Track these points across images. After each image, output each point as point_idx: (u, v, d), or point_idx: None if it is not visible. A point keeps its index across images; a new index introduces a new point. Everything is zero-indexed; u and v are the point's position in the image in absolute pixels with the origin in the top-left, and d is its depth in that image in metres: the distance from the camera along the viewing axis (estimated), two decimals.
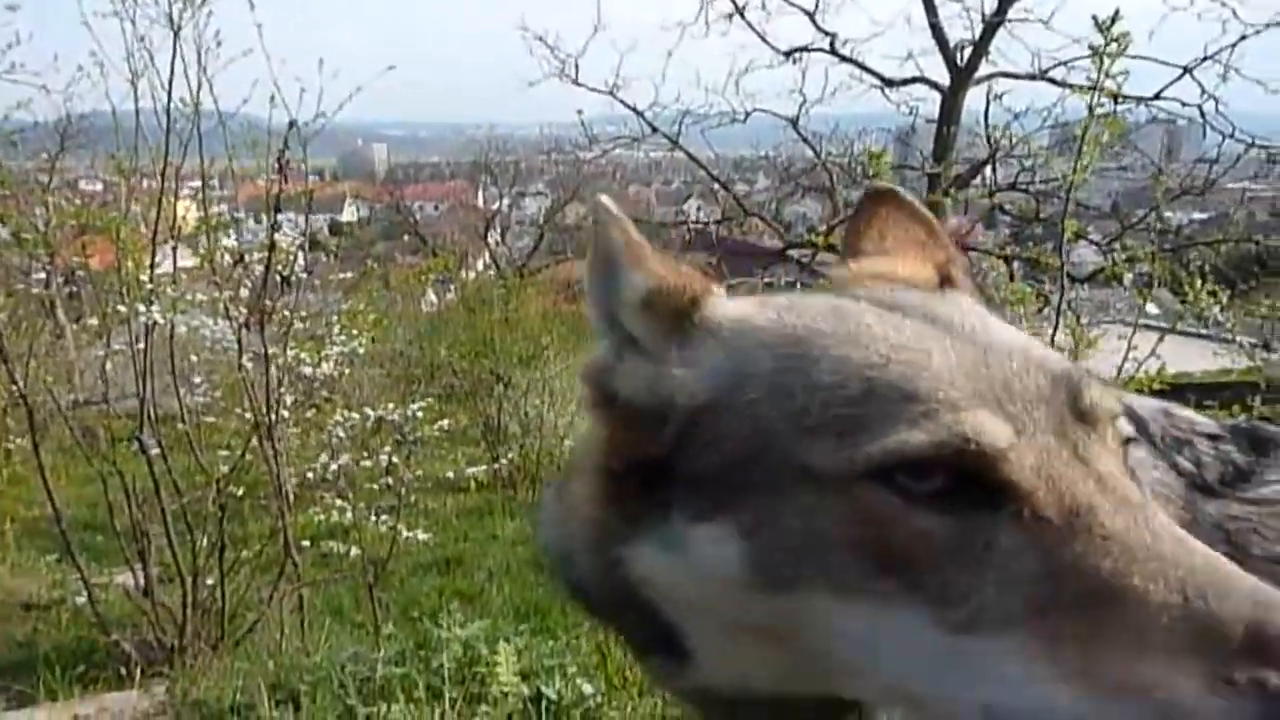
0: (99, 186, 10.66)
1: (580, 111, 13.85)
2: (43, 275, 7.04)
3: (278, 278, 4.71)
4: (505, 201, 25.48)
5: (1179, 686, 0.72)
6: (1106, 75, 4.58)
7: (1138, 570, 0.78)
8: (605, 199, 1.12)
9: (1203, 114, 12.87)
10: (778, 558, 0.92)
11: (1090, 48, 4.63)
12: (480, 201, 28.07)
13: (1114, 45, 4.53)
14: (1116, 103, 5.64)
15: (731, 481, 0.96)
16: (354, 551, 5.32)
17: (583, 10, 13.44)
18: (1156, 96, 12.68)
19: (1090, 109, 4.62)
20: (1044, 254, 6.81)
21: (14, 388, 5.01)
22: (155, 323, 4.52)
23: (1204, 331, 8.07)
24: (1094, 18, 4.57)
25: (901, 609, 0.85)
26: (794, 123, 13.68)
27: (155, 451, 4.93)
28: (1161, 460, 1.32)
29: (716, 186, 15.09)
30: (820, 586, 0.90)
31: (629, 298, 1.08)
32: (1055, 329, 4.78)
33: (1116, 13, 4.59)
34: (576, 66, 13.20)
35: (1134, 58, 4.48)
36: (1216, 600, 0.74)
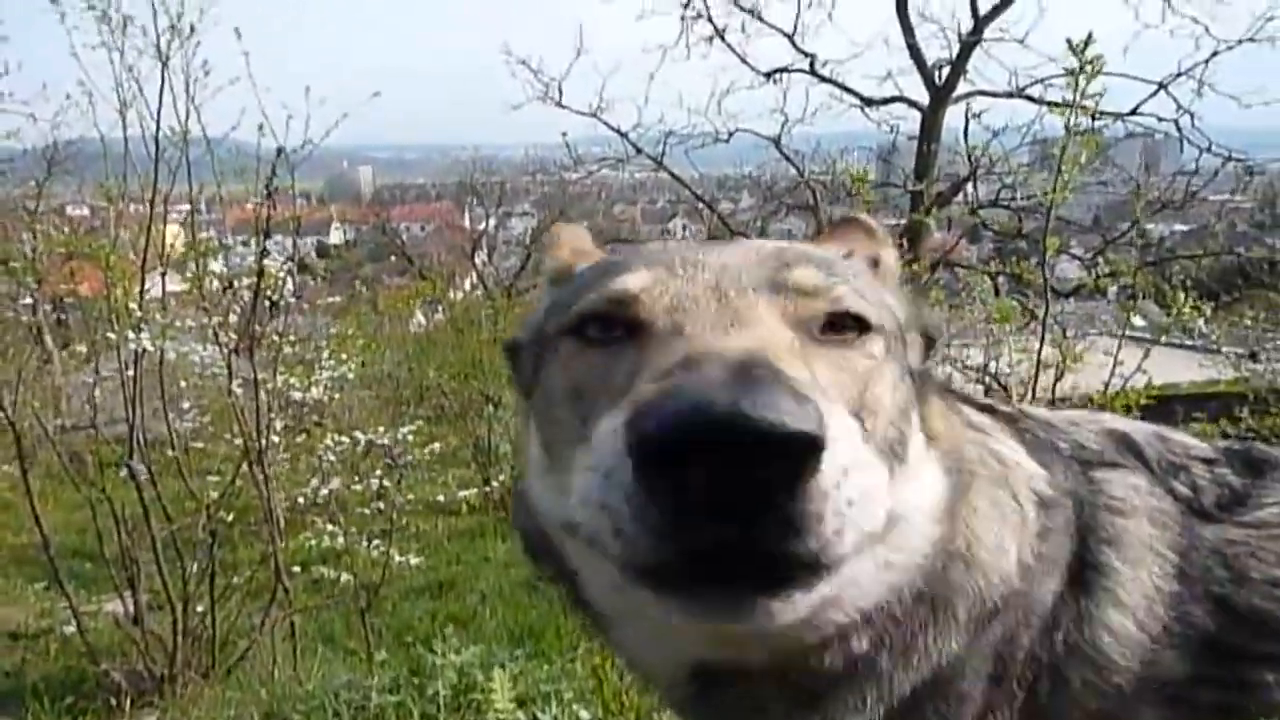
0: (86, 212, 10.66)
1: (565, 134, 13.98)
2: (30, 301, 7.02)
3: (266, 303, 4.71)
4: (491, 222, 25.53)
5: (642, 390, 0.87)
6: (1082, 96, 4.66)
7: (684, 350, 0.91)
8: (556, 228, 1.44)
9: (1179, 128, 13.07)
10: (547, 432, 1.11)
11: (1065, 69, 4.72)
12: (466, 222, 28.18)
13: (1089, 67, 4.63)
14: (1094, 119, 5.72)
15: (533, 389, 1.19)
16: (345, 577, 5.28)
17: (564, 35, 13.56)
18: (1133, 112, 12.86)
19: (1068, 129, 4.69)
20: (1027, 269, 6.86)
21: (1, 414, 4.99)
22: (144, 349, 4.50)
23: (1189, 343, 8.16)
24: (1068, 41, 4.66)
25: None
26: (776, 142, 13.80)
27: (144, 477, 4.90)
28: (1158, 486, 1.35)
29: (701, 205, 15.16)
30: (564, 443, 1.04)
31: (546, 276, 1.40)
32: (1041, 344, 4.83)
33: (1090, 36, 4.68)
34: (560, 89, 13.31)
35: (1109, 74, 4.57)
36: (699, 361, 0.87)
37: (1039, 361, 4.79)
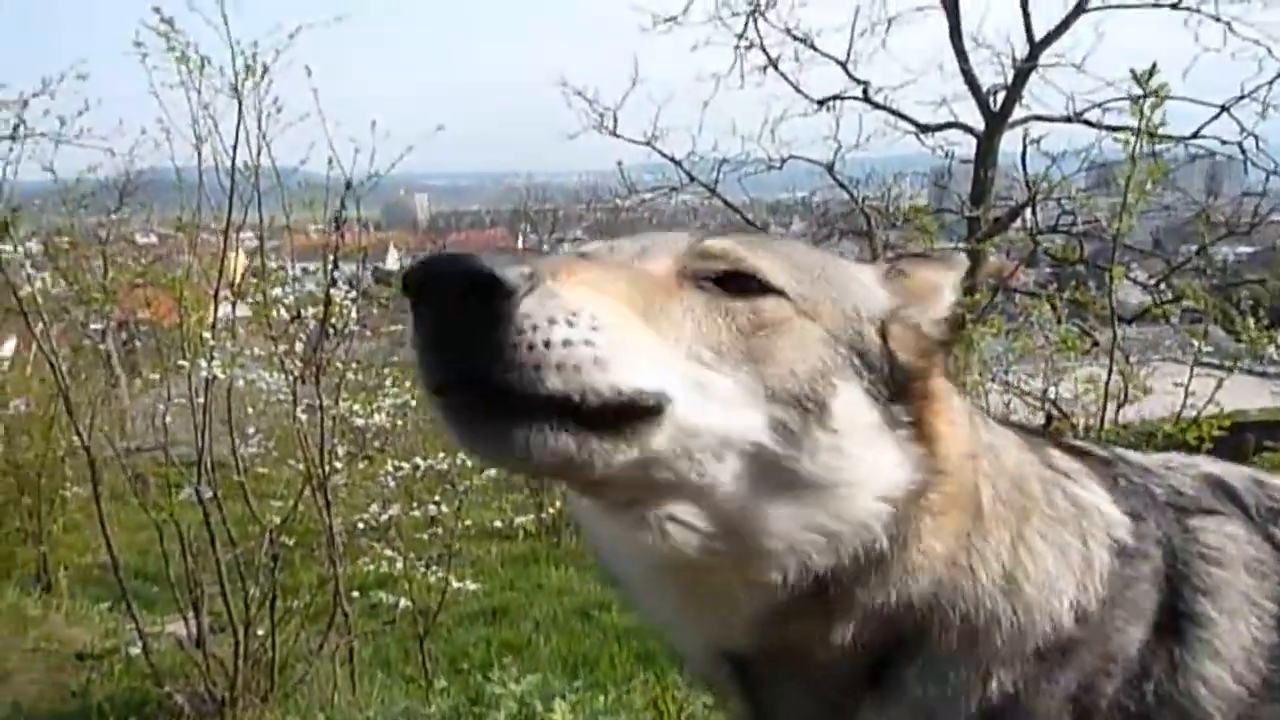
0: (154, 240, 10.97)
1: (620, 163, 14.07)
2: (99, 327, 7.23)
3: (331, 330, 4.80)
4: (545, 248, 25.87)
5: None
6: (1147, 124, 4.65)
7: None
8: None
9: (1243, 151, 12.78)
10: None
11: (1129, 98, 4.72)
12: (520, 247, 28.59)
13: (1153, 96, 4.63)
14: (1155, 144, 5.65)
15: None
16: (403, 603, 5.32)
17: (619, 64, 13.66)
18: (1195, 136, 12.61)
19: (1133, 158, 4.65)
20: (1088, 296, 6.76)
21: (75, 438, 5.12)
22: (215, 377, 4.61)
23: (1258, 369, 7.93)
24: (1132, 71, 4.68)
25: None
26: (829, 168, 13.74)
27: (209, 497, 4.99)
28: (1256, 534, 1.31)
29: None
30: None
31: None
32: (1110, 374, 4.72)
33: (1154, 66, 4.67)
34: (615, 119, 13.41)
35: (1169, 98, 4.57)
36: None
37: (1106, 391, 4.69)
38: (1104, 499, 1.31)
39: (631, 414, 1.00)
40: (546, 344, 0.95)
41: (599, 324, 0.98)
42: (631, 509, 1.10)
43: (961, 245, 10.97)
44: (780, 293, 1.13)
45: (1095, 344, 7.00)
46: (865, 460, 1.13)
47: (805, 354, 1.12)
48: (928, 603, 1.17)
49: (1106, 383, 4.65)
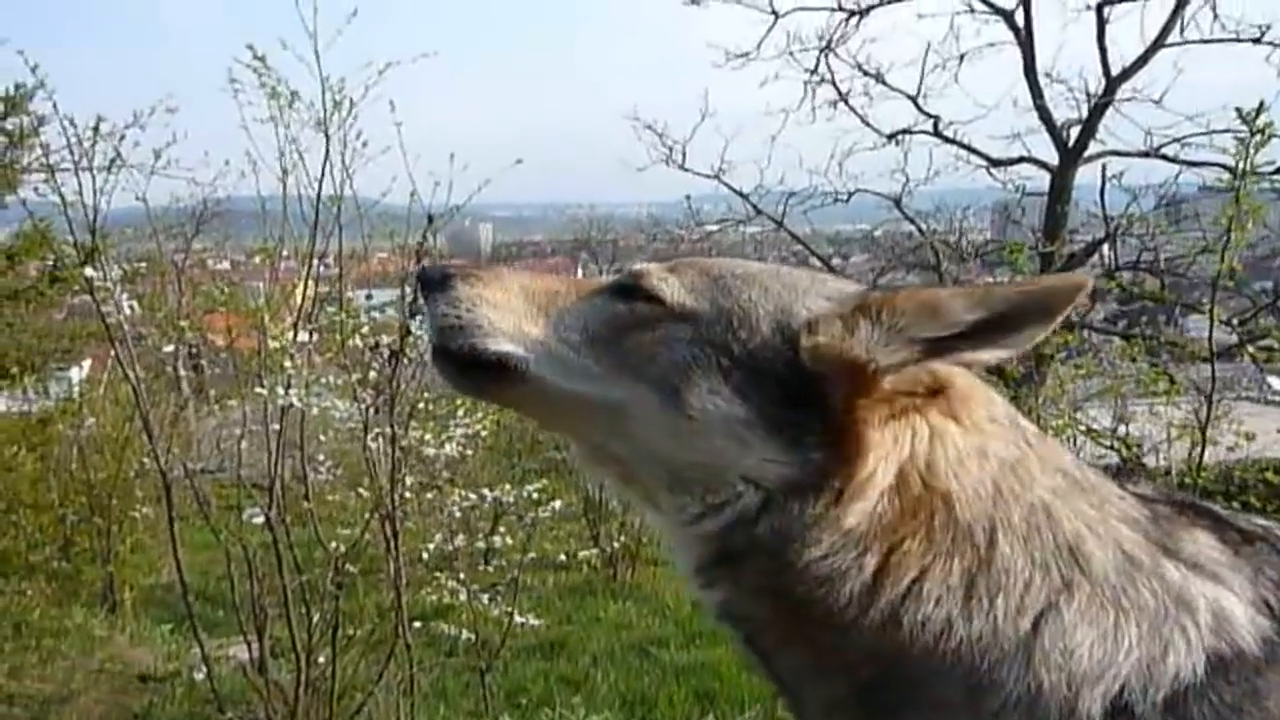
0: (226, 265, 11.23)
1: (688, 196, 14.10)
2: (171, 349, 7.36)
3: (406, 360, 4.80)
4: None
5: None
6: (1251, 164, 4.55)
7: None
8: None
9: None
10: None
11: (1236, 138, 4.64)
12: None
13: (1259, 136, 4.53)
14: (1258, 181, 5.49)
15: None
16: (465, 635, 5.26)
17: (686, 96, 13.72)
18: (1277, 171, 12.19)
19: (1237, 199, 4.51)
20: (1185, 338, 6.55)
21: (146, 460, 5.17)
22: (291, 404, 4.63)
23: None
24: (1238, 110, 4.60)
25: None
26: (897, 202, 13.60)
27: (275, 517, 5.00)
28: None
29: (816, 262, 15.01)
30: None
31: None
32: (1207, 421, 4.51)
33: (1261, 104, 4.55)
34: (684, 153, 13.44)
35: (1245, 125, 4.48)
36: None
37: (1205, 437, 4.48)
38: (1226, 594, 1.14)
39: (504, 368, 1.36)
40: (443, 318, 1.39)
41: (473, 310, 1.38)
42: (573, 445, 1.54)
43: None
44: (658, 300, 1.32)
45: (1173, 382, 6.77)
46: (720, 446, 1.22)
47: (667, 349, 1.28)
48: (893, 633, 1.15)
49: (1204, 429, 4.43)
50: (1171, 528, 1.20)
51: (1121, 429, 8.23)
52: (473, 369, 1.40)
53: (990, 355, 1.24)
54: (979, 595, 1.14)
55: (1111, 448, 6.80)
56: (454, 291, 1.40)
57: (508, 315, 1.38)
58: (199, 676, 5.77)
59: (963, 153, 13.65)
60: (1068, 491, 1.21)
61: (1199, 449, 4.62)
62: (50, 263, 10.87)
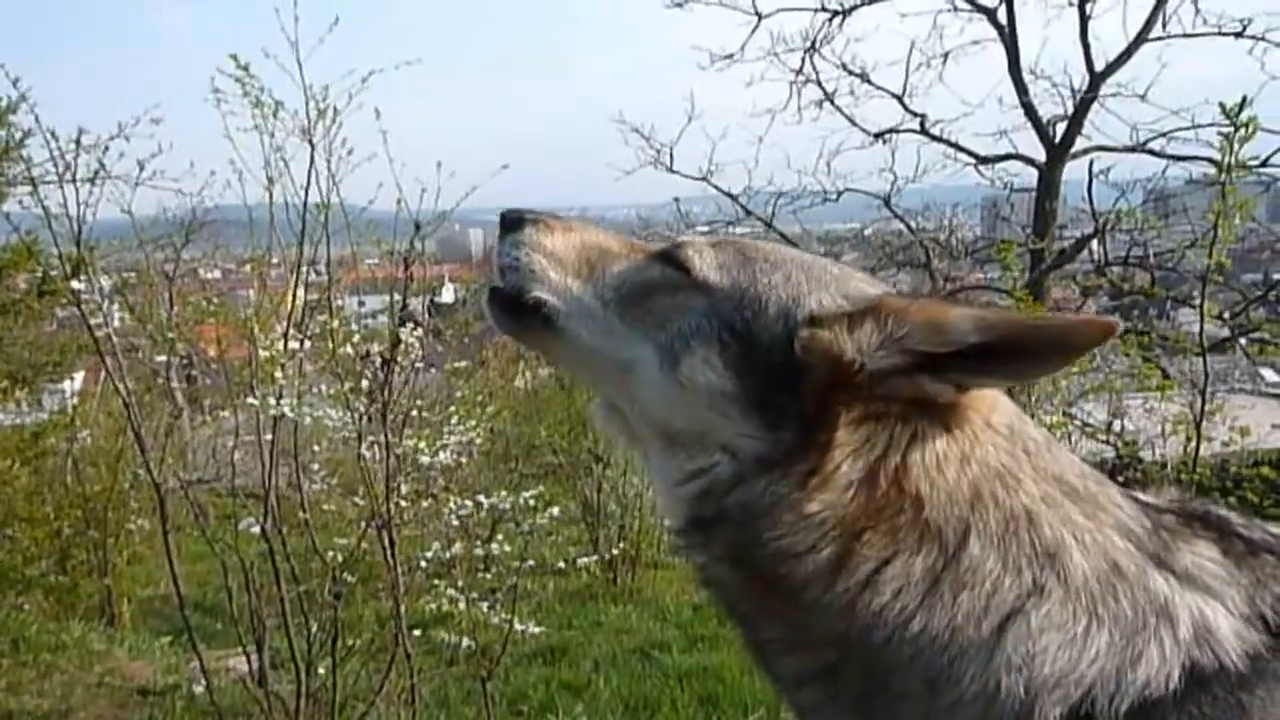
0: (217, 275, 11.19)
1: (677, 199, 14.15)
2: (164, 359, 7.34)
3: (398, 368, 4.79)
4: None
5: None
6: (1236, 160, 4.60)
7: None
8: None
9: None
10: None
11: (1220, 134, 4.69)
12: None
13: (1243, 130, 4.58)
14: (1244, 176, 5.53)
15: None
16: (465, 643, 5.24)
17: (670, 97, 13.74)
18: (1263, 164, 12.26)
19: (1222, 193, 4.55)
20: (1178, 334, 6.59)
21: (141, 471, 5.15)
22: (284, 415, 4.62)
23: None
24: (1221, 105, 4.67)
25: None
26: (886, 201, 13.64)
27: (270, 528, 4.98)
28: None
29: None
30: None
31: None
32: (1201, 417, 4.52)
33: (1244, 99, 4.60)
34: (671, 155, 13.46)
35: (1233, 127, 4.53)
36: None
37: (1199, 431, 4.49)
38: (1215, 606, 1.12)
39: (540, 315, 1.45)
40: (504, 258, 1.49)
41: (531, 256, 1.46)
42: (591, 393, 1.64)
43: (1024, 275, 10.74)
44: (685, 269, 1.37)
45: (1166, 377, 6.82)
46: (703, 415, 1.29)
47: (680, 315, 1.35)
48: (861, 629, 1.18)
49: (1199, 423, 4.45)
50: (1171, 539, 1.20)
51: (1116, 424, 8.26)
52: (515, 310, 1.48)
53: (986, 381, 1.25)
54: (941, 592, 1.16)
55: (1107, 443, 6.83)
56: (520, 234, 1.49)
57: (558, 265, 1.46)
58: (199, 690, 5.73)
59: (950, 150, 13.73)
60: (1059, 499, 1.21)
61: (1194, 443, 4.64)
62: (39, 275, 10.84)
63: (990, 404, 1.28)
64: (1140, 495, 1.28)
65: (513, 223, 1.51)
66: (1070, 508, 1.21)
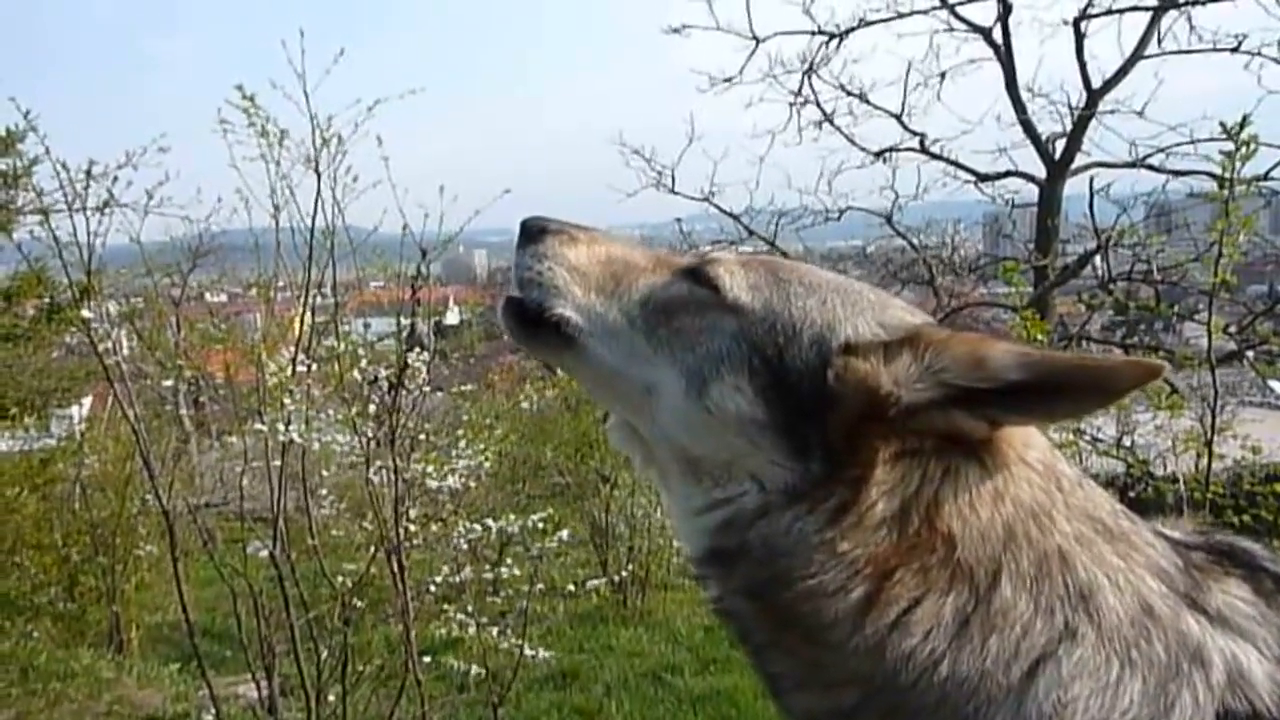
0: (224, 298, 11.25)
1: (679, 220, 14.18)
2: (170, 384, 7.36)
3: (405, 392, 4.80)
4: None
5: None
6: (1238, 176, 4.64)
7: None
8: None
9: None
10: None
11: (1221, 152, 4.72)
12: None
13: (1244, 149, 4.64)
14: (1248, 192, 5.57)
15: None
16: (475, 669, 5.22)
17: (672, 119, 13.79)
18: (1263, 177, 12.27)
19: (1226, 211, 4.57)
20: (1185, 351, 6.58)
21: (149, 497, 5.14)
22: (292, 440, 4.62)
23: None
24: (1222, 125, 4.76)
25: None
26: (888, 218, 13.67)
27: (276, 553, 4.98)
28: None
29: None
30: None
31: None
32: (1213, 432, 4.51)
33: (1245, 118, 4.63)
34: (673, 176, 13.51)
35: (1230, 140, 4.57)
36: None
37: (1210, 450, 4.48)
38: (1248, 650, 1.11)
39: (560, 332, 1.39)
40: (524, 270, 1.43)
41: (553, 269, 1.41)
42: (609, 413, 1.49)
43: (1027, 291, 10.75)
44: (715, 288, 1.32)
45: (1174, 390, 6.80)
46: (731, 442, 1.24)
47: (709, 338, 1.30)
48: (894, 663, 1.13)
49: (1210, 440, 4.44)
50: (1202, 578, 1.18)
51: (1126, 440, 8.23)
52: (534, 325, 1.42)
53: (1022, 420, 1.21)
54: (971, 634, 1.12)
55: (1118, 458, 6.81)
56: (541, 246, 1.44)
57: (582, 280, 1.41)
58: (208, 718, 5.70)
59: (950, 168, 13.74)
60: (1092, 539, 1.18)
61: (1205, 460, 4.62)
62: (47, 301, 10.89)
63: (1024, 438, 1.24)
64: (1167, 530, 1.25)
65: (534, 233, 1.46)
66: (1104, 547, 1.18)
